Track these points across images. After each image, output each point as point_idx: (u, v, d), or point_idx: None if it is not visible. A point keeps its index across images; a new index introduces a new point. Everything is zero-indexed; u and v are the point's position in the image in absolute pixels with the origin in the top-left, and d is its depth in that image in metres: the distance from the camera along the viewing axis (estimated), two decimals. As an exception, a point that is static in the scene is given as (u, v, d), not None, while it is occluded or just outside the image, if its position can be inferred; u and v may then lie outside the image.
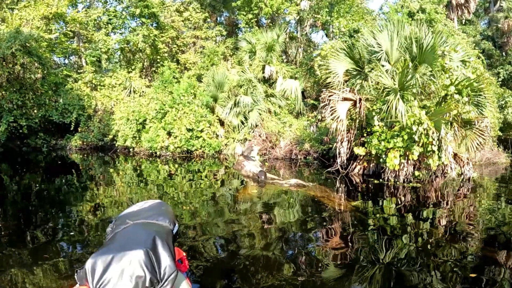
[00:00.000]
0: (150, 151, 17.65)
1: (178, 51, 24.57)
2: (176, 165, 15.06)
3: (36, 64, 19.24)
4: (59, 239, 5.87)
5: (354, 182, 11.07)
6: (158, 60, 22.97)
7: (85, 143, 20.20)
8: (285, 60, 24.64)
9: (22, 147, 19.99)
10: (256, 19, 24.13)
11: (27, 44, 18.09)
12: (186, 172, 13.50)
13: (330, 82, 12.37)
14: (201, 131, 17.55)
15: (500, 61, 30.49)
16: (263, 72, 19.86)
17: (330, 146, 14.56)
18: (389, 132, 10.59)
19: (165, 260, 2.21)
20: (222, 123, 18.68)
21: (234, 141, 18.27)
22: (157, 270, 2.16)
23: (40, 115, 19.55)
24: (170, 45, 24.02)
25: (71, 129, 20.06)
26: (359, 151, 11.20)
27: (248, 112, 18.31)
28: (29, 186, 10.90)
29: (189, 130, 17.36)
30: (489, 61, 29.52)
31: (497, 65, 29.65)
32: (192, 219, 7.17)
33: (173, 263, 2.25)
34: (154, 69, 23.54)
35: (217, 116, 18.48)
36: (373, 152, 10.86)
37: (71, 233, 6.22)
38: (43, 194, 9.74)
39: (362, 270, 4.76)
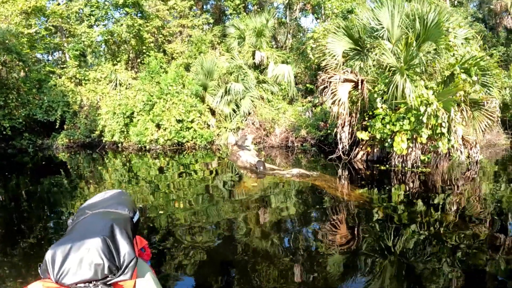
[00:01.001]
0: (139, 145, 16.76)
1: (164, 41, 23.67)
2: (167, 159, 14.27)
3: (17, 62, 18.33)
4: (50, 242, 5.32)
5: (358, 169, 10.42)
6: (144, 51, 22.03)
7: (71, 140, 19.20)
8: (274, 46, 23.86)
9: (8, 149, 19.02)
10: (243, 5, 23.33)
11: (5, 41, 17.12)
12: (178, 165, 12.75)
13: (326, 65, 11.69)
14: (192, 121, 16.71)
15: (492, 42, 30.11)
16: (254, 58, 19.09)
17: (329, 131, 13.91)
18: (393, 114, 9.94)
19: (124, 248, 2.14)
20: (213, 112, 17.87)
21: (226, 130, 17.49)
22: (116, 257, 2.10)
23: (23, 114, 18.59)
24: (156, 35, 23.13)
25: (57, 127, 19.13)
26: (363, 135, 10.54)
27: (240, 99, 17.51)
28: (16, 189, 10.08)
29: (179, 121, 16.52)
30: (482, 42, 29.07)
31: (490, 46, 29.23)
32: (187, 215, 6.51)
33: (132, 250, 2.17)
34: (140, 60, 22.59)
35: (207, 105, 17.66)
36: (378, 136, 10.21)
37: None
38: (31, 196, 8.99)
39: (369, 262, 4.42)
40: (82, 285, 2.01)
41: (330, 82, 10.22)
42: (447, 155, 10.97)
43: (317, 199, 7.61)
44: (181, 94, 16.88)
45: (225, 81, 18.11)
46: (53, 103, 18.94)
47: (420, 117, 9.35)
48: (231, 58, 19.31)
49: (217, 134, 17.53)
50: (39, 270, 2.09)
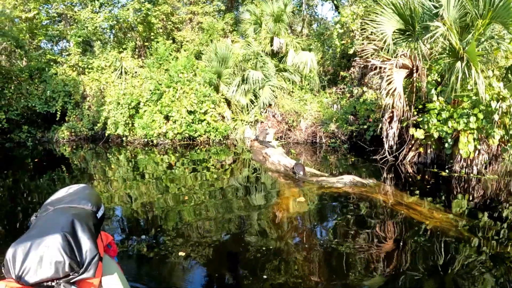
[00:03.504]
0: (146, 139, 15.20)
1: (173, 28, 22.05)
2: (177, 155, 12.68)
3: (15, 49, 16.84)
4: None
5: (411, 175, 8.68)
6: (152, 38, 20.37)
7: (73, 133, 17.71)
8: (291, 35, 22.26)
9: (5, 143, 17.55)
10: (258, -11, 21.74)
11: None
12: (189, 162, 11.13)
13: (362, 51, 10.04)
14: (205, 113, 15.07)
15: None
16: (271, 45, 17.40)
17: (365, 126, 12.19)
18: (454, 109, 8.28)
19: (86, 244, 1.96)
20: (228, 103, 16.25)
21: (243, 123, 15.86)
22: (77, 254, 1.93)
23: (21, 105, 17.09)
24: (164, 22, 21.50)
25: (57, 119, 17.58)
26: (418, 134, 8.86)
27: (259, 89, 15.84)
28: (15, 187, 8.72)
29: (190, 112, 14.89)
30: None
31: None
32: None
33: (95, 246, 1.98)
34: (147, 46, 20.97)
35: (222, 95, 16.04)
36: (435, 135, 8.54)
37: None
38: (31, 195, 7.93)
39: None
40: (44, 284, 1.88)
41: (381, 68, 8.55)
42: (495, 157, 9.46)
43: (394, 226, 5.52)
44: (193, 83, 15.23)
45: (242, 69, 16.45)
46: (53, 93, 17.37)
47: (490, 114, 7.72)
48: (247, 44, 17.64)
49: (233, 128, 15.92)
50: (2, 270, 1.90)
